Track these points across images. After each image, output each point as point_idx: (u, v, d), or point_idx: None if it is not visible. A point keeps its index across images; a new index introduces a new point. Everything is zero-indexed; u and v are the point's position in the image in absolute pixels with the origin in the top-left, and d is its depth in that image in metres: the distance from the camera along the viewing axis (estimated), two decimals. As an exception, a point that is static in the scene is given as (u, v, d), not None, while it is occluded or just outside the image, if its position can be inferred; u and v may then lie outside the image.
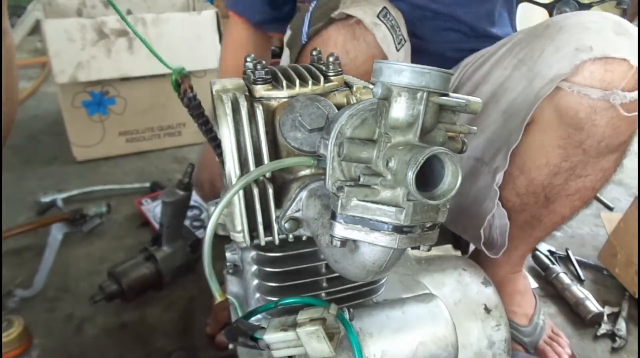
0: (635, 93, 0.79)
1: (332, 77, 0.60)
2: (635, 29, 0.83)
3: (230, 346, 0.63)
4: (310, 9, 0.99)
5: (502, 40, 1.03)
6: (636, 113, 0.81)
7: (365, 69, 0.88)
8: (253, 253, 0.61)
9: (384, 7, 0.89)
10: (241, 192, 0.56)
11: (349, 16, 0.88)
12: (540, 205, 0.95)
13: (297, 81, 0.58)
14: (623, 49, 0.78)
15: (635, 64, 0.78)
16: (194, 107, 0.61)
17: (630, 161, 2.07)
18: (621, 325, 1.21)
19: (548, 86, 0.82)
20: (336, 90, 0.60)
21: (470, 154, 0.98)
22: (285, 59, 1.08)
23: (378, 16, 0.88)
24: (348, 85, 0.61)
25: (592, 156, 0.87)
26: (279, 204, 0.58)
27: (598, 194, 1.73)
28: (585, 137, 0.84)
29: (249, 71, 0.60)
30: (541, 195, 0.93)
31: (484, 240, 0.99)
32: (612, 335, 1.20)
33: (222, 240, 0.63)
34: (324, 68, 0.61)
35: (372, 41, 0.87)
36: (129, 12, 2.12)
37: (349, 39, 0.88)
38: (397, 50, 0.89)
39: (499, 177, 0.92)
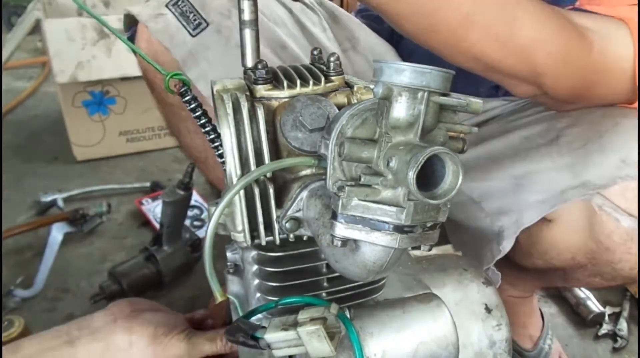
0: None
1: (333, 77, 0.59)
2: None
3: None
4: None
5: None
6: None
7: (171, 57, 0.82)
8: (254, 253, 0.61)
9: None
10: (242, 192, 0.56)
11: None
12: (557, 278, 0.89)
13: (298, 81, 0.58)
14: None
15: None
16: (195, 109, 0.61)
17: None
18: (622, 325, 1.21)
19: (579, 190, 0.72)
20: (337, 90, 0.60)
21: (464, 189, 0.89)
22: None
23: (167, 5, 0.83)
24: (349, 85, 0.61)
25: (622, 276, 0.79)
26: (279, 204, 0.58)
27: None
28: (617, 260, 0.76)
29: (249, 70, 0.60)
30: (560, 273, 0.87)
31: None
32: (613, 335, 1.20)
33: (222, 240, 0.63)
34: (324, 68, 0.61)
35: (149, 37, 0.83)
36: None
37: (152, 39, 0.84)
38: (193, 35, 0.83)
39: (506, 243, 0.83)
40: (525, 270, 0.92)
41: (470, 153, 0.86)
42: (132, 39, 0.89)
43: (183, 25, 0.83)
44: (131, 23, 0.88)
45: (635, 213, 0.70)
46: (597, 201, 0.72)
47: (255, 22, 0.60)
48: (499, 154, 0.86)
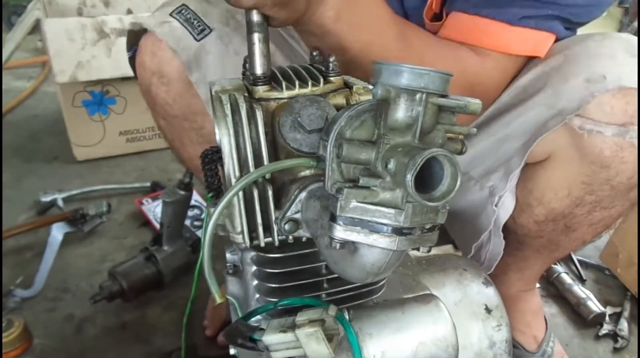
0: None
1: (331, 78, 0.59)
2: None
3: (232, 350, 0.63)
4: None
5: None
6: None
7: (179, 63, 0.85)
8: (253, 254, 0.61)
9: (182, 5, 0.87)
10: (241, 193, 0.55)
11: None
12: (559, 232, 0.90)
13: (297, 82, 0.58)
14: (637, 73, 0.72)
15: None
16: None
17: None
18: (623, 325, 1.21)
19: (556, 118, 0.76)
20: (335, 91, 0.59)
21: None
22: None
23: (171, 14, 0.86)
24: (347, 86, 0.61)
25: (621, 191, 0.80)
26: (278, 206, 0.58)
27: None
28: (614, 175, 0.78)
29: (248, 71, 0.59)
30: (561, 223, 0.88)
31: (472, 254, 0.95)
32: (614, 335, 1.20)
33: (222, 240, 0.63)
34: (323, 69, 0.60)
35: (165, 45, 0.85)
36: (130, 12, 2.12)
37: (155, 41, 0.86)
38: (198, 40, 0.86)
39: (498, 199, 0.88)
40: (528, 245, 0.94)
41: None
42: (133, 59, 0.92)
43: (188, 30, 0.86)
44: (133, 42, 0.91)
45: (616, 121, 0.73)
46: (576, 122, 0.76)
47: (265, 26, 0.60)
48: (476, 125, 0.91)
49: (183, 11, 0.87)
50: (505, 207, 0.89)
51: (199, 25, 0.87)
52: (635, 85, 0.72)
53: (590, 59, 0.76)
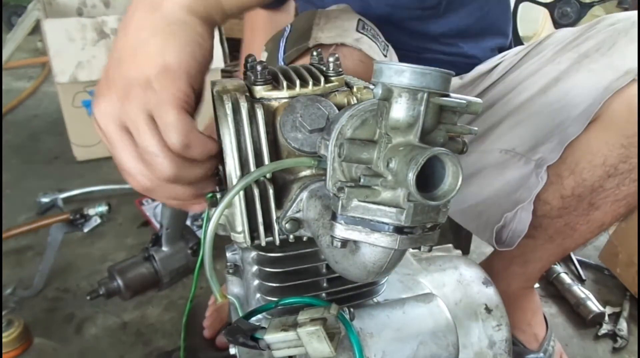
0: None
1: (332, 78, 0.59)
2: None
3: (232, 350, 0.63)
4: (285, 32, 0.95)
5: (540, 41, 0.99)
6: None
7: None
8: (254, 254, 0.61)
9: (359, 19, 0.88)
10: (242, 193, 0.56)
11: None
12: (581, 212, 0.89)
13: (298, 82, 0.58)
14: None
15: None
16: None
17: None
18: (622, 325, 1.21)
19: (623, 78, 0.77)
20: (337, 90, 0.60)
21: (495, 147, 0.95)
22: None
23: (357, 30, 0.87)
24: (349, 85, 0.61)
25: None
26: (279, 205, 0.58)
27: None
28: None
29: (249, 71, 0.59)
30: (586, 200, 0.87)
31: (494, 234, 0.94)
32: (613, 335, 1.20)
33: (222, 240, 0.63)
34: (324, 68, 0.61)
35: (358, 57, 0.85)
36: (129, 12, 2.12)
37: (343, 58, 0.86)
38: (385, 56, 0.89)
39: (542, 171, 0.87)
40: (543, 230, 0.93)
41: (493, 115, 0.96)
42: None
43: (377, 45, 0.88)
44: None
45: None
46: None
47: None
48: (530, 96, 0.91)
49: (365, 26, 0.88)
50: (543, 177, 0.89)
51: (382, 42, 0.90)
52: None
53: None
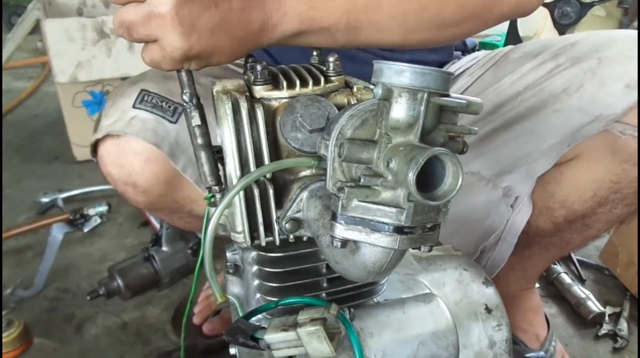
0: None
1: (332, 78, 0.59)
2: None
3: (232, 350, 0.63)
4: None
5: (498, 62, 0.96)
6: None
7: (153, 170, 0.80)
8: (254, 254, 0.61)
9: (141, 91, 0.81)
10: (242, 193, 0.56)
11: None
12: (575, 231, 0.89)
13: (298, 82, 0.58)
14: None
15: None
16: None
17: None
18: (622, 325, 1.21)
19: (595, 125, 0.76)
20: (337, 90, 0.59)
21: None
22: None
23: (134, 106, 0.80)
24: (348, 85, 0.61)
25: None
26: (279, 205, 0.58)
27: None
28: None
29: (249, 71, 0.59)
30: (579, 223, 0.87)
31: (476, 257, 0.93)
32: (613, 335, 1.20)
33: (222, 240, 0.63)
34: (324, 68, 0.61)
35: (138, 144, 0.79)
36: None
37: (118, 153, 0.81)
38: (174, 122, 0.81)
39: (513, 201, 0.86)
40: (537, 244, 0.93)
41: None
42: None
43: (160, 116, 0.80)
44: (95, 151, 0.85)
45: None
46: (617, 127, 0.75)
47: (209, 144, 0.60)
48: (495, 127, 0.89)
49: (145, 97, 0.81)
50: (523, 212, 0.87)
51: (169, 107, 0.81)
52: None
53: (626, 64, 0.75)
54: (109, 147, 0.81)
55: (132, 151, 0.80)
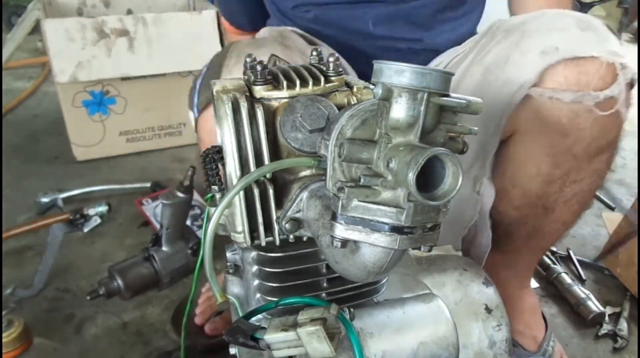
0: (609, 91, 0.76)
1: (332, 78, 0.59)
2: (599, 22, 0.80)
3: (232, 350, 0.63)
4: (203, 71, 0.92)
5: (466, 43, 1.00)
6: (616, 110, 0.78)
7: None
8: (254, 254, 0.61)
9: (272, 56, 0.83)
10: (242, 193, 0.56)
11: None
12: (540, 215, 0.92)
13: (298, 82, 0.58)
14: (591, 45, 0.76)
15: (606, 58, 0.75)
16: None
17: (631, 161, 2.07)
18: (622, 325, 1.21)
19: (519, 92, 0.79)
20: (337, 90, 0.59)
21: None
22: None
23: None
24: (349, 85, 0.61)
25: (583, 159, 0.84)
26: (279, 205, 0.58)
27: (599, 194, 1.73)
28: (573, 142, 0.81)
29: (249, 71, 0.59)
30: (539, 205, 0.91)
31: (460, 248, 0.95)
32: (613, 335, 1.20)
33: (222, 240, 0.63)
34: (324, 68, 0.61)
35: None
36: (130, 12, 2.12)
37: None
38: None
39: (479, 186, 0.90)
40: (515, 235, 0.96)
41: None
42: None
43: None
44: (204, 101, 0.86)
45: (571, 88, 0.76)
46: (536, 91, 0.79)
47: None
48: None
49: (278, 62, 0.82)
50: (487, 194, 0.90)
51: None
52: (588, 55, 0.75)
53: (545, 34, 0.80)
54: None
55: None
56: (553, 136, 0.82)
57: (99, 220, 1.51)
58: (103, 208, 1.52)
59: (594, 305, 1.24)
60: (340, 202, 0.45)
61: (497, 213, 0.93)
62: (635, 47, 3.31)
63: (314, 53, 0.66)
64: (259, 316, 0.59)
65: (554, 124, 0.80)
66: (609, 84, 0.76)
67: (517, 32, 0.83)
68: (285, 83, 0.58)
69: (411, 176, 0.39)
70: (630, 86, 0.79)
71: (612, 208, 1.73)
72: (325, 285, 0.62)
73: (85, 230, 1.48)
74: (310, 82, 0.58)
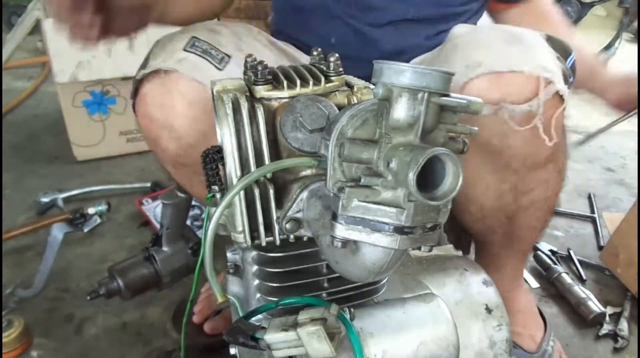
0: (526, 105, 0.75)
1: (333, 78, 0.59)
2: (536, 36, 0.79)
3: (233, 350, 0.63)
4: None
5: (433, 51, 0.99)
6: (533, 124, 0.77)
7: (194, 114, 0.81)
8: (254, 254, 0.61)
9: (192, 37, 0.83)
10: (242, 193, 0.55)
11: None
12: (505, 224, 0.92)
13: (298, 81, 0.58)
14: (513, 60, 0.75)
15: (529, 73, 0.74)
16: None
17: (631, 161, 2.07)
18: (623, 325, 1.21)
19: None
20: (337, 90, 0.60)
21: None
22: None
23: (185, 49, 0.82)
24: (349, 85, 0.61)
25: (525, 173, 0.84)
26: (279, 205, 0.58)
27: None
28: (509, 159, 0.81)
29: (249, 71, 0.59)
30: (500, 216, 0.91)
31: None
32: (614, 335, 1.20)
33: (222, 240, 0.63)
34: (324, 68, 0.61)
35: (186, 83, 0.80)
36: (130, 12, 2.12)
37: (163, 92, 0.82)
38: (221, 69, 0.83)
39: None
40: (491, 243, 0.97)
41: None
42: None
43: (208, 61, 0.83)
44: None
45: (488, 101, 0.76)
46: None
47: None
48: None
49: (196, 43, 0.83)
50: None
51: (217, 55, 0.83)
52: (507, 70, 0.75)
53: (472, 48, 0.80)
54: (155, 85, 0.82)
55: (177, 91, 0.81)
56: (491, 155, 0.82)
57: (99, 220, 1.51)
58: (103, 207, 1.52)
59: (595, 305, 1.24)
60: (341, 202, 0.45)
61: (465, 224, 0.95)
62: (635, 47, 3.32)
63: (315, 53, 0.66)
64: (259, 316, 0.59)
65: (485, 144, 0.80)
66: (529, 99, 0.75)
67: (450, 45, 0.84)
68: (285, 83, 0.58)
69: (411, 176, 0.39)
70: (560, 100, 0.77)
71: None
72: (325, 285, 0.62)
73: (85, 229, 1.48)
74: (311, 82, 0.58)
